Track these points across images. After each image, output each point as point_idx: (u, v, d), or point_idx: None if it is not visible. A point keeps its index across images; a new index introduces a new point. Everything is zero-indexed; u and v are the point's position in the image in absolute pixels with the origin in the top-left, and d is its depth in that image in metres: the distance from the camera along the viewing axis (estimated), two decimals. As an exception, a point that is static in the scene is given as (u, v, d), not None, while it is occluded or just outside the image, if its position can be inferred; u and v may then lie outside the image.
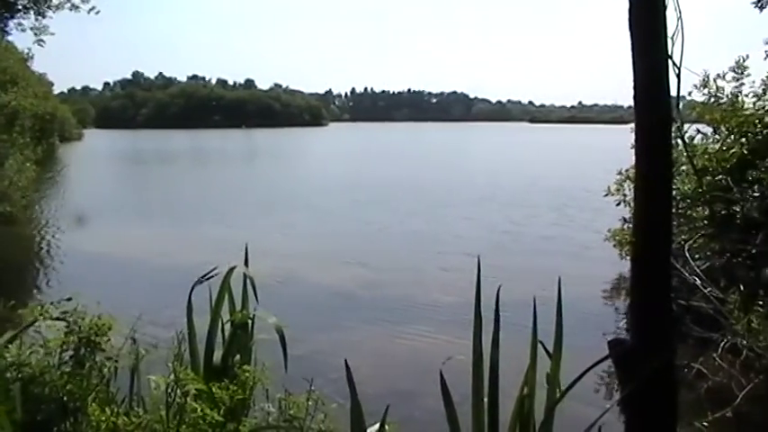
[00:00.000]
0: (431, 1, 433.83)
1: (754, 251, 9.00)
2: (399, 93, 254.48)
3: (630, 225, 10.92)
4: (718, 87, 10.49)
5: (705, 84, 10.49)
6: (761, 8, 11.22)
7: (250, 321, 6.15)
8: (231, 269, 6.18)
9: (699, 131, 11.09)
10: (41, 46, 17.42)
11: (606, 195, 12.97)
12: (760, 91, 10.54)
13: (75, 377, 4.37)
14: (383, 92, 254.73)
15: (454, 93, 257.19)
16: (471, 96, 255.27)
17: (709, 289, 8.57)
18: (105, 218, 22.49)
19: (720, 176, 10.09)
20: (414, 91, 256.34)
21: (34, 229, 20.22)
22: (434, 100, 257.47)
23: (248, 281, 6.26)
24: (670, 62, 3.01)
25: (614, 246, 13.15)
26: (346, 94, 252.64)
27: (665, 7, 2.94)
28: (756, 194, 9.49)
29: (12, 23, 17.49)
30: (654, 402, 3.00)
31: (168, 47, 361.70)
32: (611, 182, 12.95)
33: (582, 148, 67.38)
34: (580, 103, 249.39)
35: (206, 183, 38.37)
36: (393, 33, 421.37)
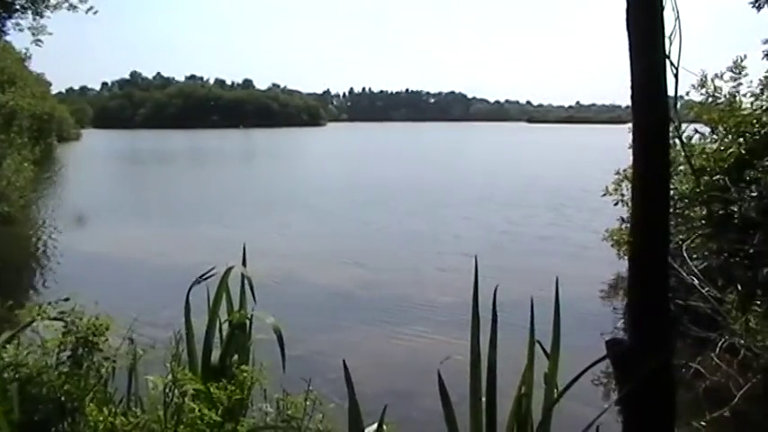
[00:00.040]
0: (429, 1, 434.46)
1: (751, 251, 9.01)
2: (397, 93, 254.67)
3: (628, 225, 10.94)
4: (715, 87, 10.51)
5: (703, 84, 10.50)
6: (758, 8, 11.24)
7: (248, 321, 6.14)
8: (229, 269, 6.17)
9: (696, 131, 11.10)
10: (39, 46, 17.44)
11: (604, 195, 12.99)
12: (758, 91, 10.56)
13: (72, 377, 4.37)
14: (381, 92, 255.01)
15: (452, 93, 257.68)
16: (469, 96, 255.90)
17: (706, 289, 8.58)
18: (103, 218, 22.47)
19: (718, 176, 10.09)
20: (412, 91, 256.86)
21: (32, 229, 20.20)
22: (432, 100, 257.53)
23: (246, 281, 6.25)
24: (668, 62, 3.01)
25: (612, 245, 13.17)
26: (344, 94, 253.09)
27: (662, 7, 2.94)
28: (754, 194, 9.49)
29: (9, 23, 17.50)
30: (652, 402, 3.00)
31: (166, 47, 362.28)
32: (609, 182, 12.96)
33: (580, 148, 67.44)
34: (578, 102, 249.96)
35: (204, 183, 38.37)
36: (391, 33, 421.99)
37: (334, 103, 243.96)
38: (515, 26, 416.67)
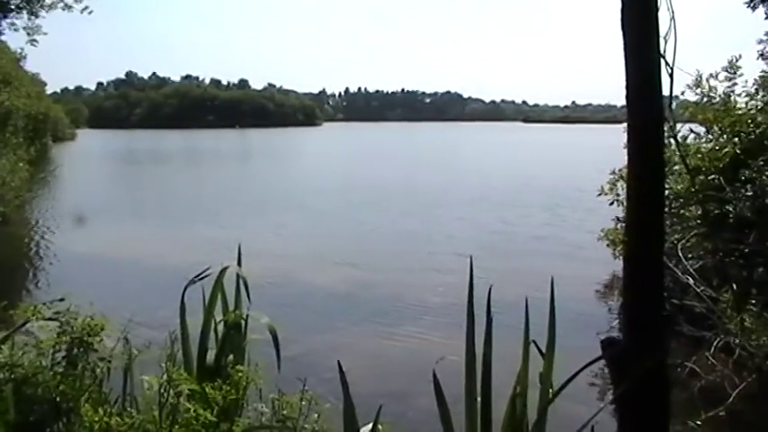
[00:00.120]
0: (425, 1, 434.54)
1: (746, 250, 9.03)
2: (393, 93, 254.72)
3: (623, 224, 10.96)
4: (710, 87, 10.51)
5: (698, 83, 10.50)
6: (753, 8, 11.28)
7: (243, 321, 6.14)
8: (224, 269, 6.17)
9: (692, 131, 11.11)
10: (34, 46, 17.51)
11: (599, 195, 12.98)
12: (753, 90, 10.58)
13: (67, 378, 4.37)
14: (377, 92, 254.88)
15: (448, 92, 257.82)
16: (465, 96, 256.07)
17: (701, 288, 8.60)
18: (98, 218, 22.40)
19: (713, 176, 10.11)
20: (407, 91, 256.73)
21: (27, 229, 20.14)
22: (428, 100, 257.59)
23: (241, 281, 6.25)
24: (663, 62, 3.02)
25: (608, 245, 13.16)
26: (340, 93, 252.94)
27: (657, 8, 2.95)
28: (749, 194, 9.51)
29: (5, 23, 17.52)
30: (647, 402, 3.01)
31: (162, 47, 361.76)
32: (605, 181, 12.96)
33: (575, 148, 67.50)
34: (574, 102, 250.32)
35: (199, 183, 38.32)
36: (387, 33, 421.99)
37: (330, 102, 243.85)
38: (511, 26, 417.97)
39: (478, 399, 4.45)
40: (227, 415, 4.31)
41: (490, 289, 4.41)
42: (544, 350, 4.50)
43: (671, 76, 3.16)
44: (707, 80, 10.48)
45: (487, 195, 28.14)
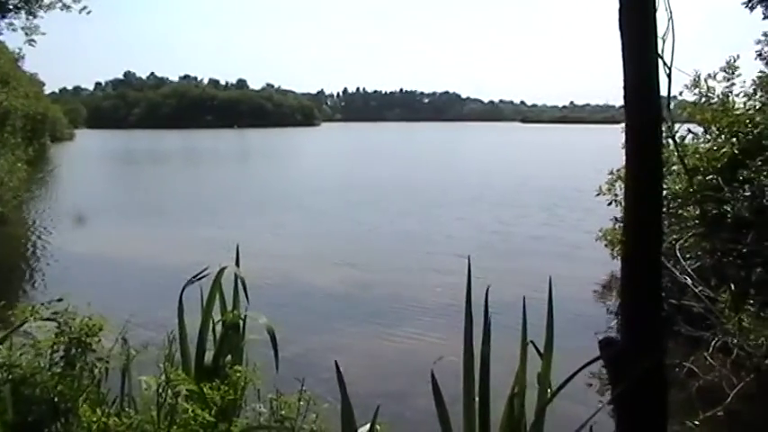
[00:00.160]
0: (424, 1, 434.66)
1: (744, 250, 9.04)
2: (391, 93, 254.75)
3: (621, 225, 10.96)
4: (708, 87, 10.53)
5: (696, 84, 10.52)
6: (751, 8, 11.30)
7: (241, 322, 6.14)
8: (222, 269, 6.17)
9: (690, 131, 11.13)
10: (32, 46, 17.48)
11: (597, 195, 12.99)
12: (750, 91, 10.59)
13: (65, 378, 4.37)
14: (375, 92, 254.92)
15: (446, 93, 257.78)
16: (463, 96, 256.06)
17: (700, 288, 8.61)
18: (97, 218, 22.40)
19: (711, 176, 10.12)
20: (406, 91, 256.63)
21: (25, 229, 20.12)
22: (426, 100, 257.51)
23: (239, 281, 6.24)
24: (661, 62, 3.01)
25: (606, 245, 13.17)
26: (338, 94, 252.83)
27: (655, 9, 2.94)
28: (747, 194, 9.52)
29: (3, 23, 17.50)
30: (645, 402, 3.01)
31: (160, 47, 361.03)
32: (603, 182, 12.97)
33: (573, 148, 67.54)
34: (572, 102, 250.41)
35: (198, 183, 38.29)
36: (385, 33, 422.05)
37: (329, 103, 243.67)
38: (510, 26, 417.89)
39: (476, 399, 4.46)
40: (226, 415, 4.31)
41: (488, 289, 4.41)
42: (542, 350, 4.50)
43: (669, 76, 3.15)
44: (705, 80, 10.51)
45: (486, 195, 28.15)
